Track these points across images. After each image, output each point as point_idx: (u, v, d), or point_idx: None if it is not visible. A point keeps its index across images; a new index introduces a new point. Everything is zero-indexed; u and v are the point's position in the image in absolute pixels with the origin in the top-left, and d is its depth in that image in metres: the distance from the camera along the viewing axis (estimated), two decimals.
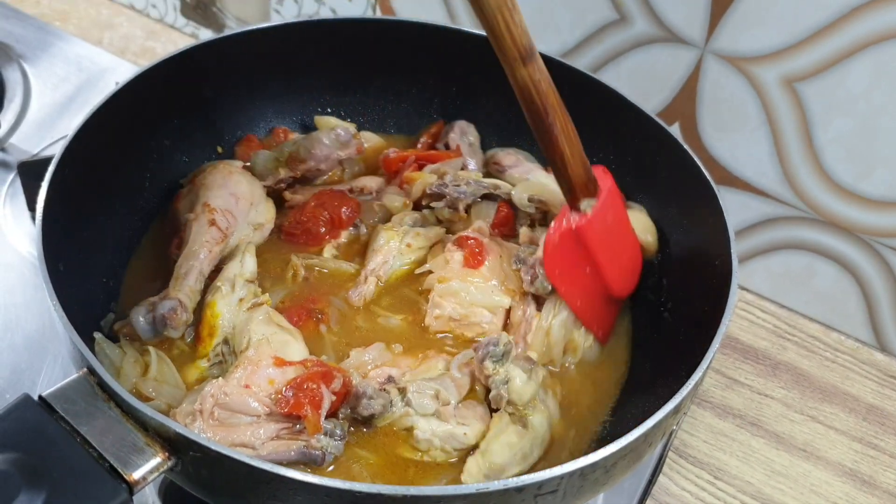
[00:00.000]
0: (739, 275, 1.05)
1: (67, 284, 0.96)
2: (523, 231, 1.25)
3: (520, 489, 0.81)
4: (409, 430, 1.02)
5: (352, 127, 1.40)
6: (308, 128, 1.44)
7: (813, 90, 1.28)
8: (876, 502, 1.25)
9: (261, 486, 0.81)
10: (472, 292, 1.15)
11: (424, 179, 1.29)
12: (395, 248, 1.21)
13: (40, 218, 0.99)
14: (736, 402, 1.35)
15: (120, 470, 0.80)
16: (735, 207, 1.43)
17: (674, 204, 1.27)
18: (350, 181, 1.35)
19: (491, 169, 1.37)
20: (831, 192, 1.35)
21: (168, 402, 1.01)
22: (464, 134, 1.41)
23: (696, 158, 1.19)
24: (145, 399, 1.01)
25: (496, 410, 1.05)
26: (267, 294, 1.12)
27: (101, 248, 1.16)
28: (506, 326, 1.17)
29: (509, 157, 1.35)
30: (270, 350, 1.01)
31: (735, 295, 1.02)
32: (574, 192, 1.08)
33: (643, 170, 1.31)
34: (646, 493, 1.19)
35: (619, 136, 1.33)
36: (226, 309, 1.08)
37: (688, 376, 0.94)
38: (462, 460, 1.02)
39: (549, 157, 1.06)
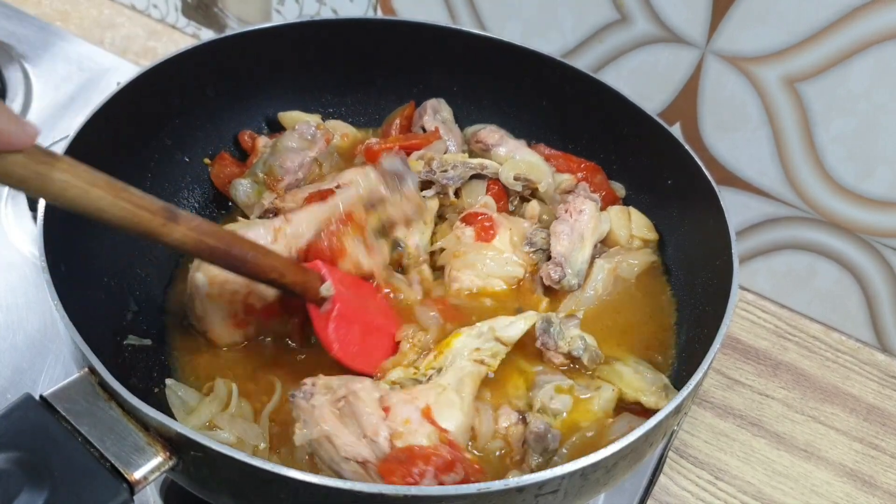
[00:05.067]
0: (740, 275, 1.05)
1: (69, 284, 0.96)
2: (531, 206, 1.27)
3: (520, 489, 0.81)
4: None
5: (314, 119, 1.39)
6: (272, 123, 1.43)
7: (814, 90, 1.28)
8: (877, 503, 1.25)
9: (262, 485, 0.81)
10: (487, 264, 1.17)
11: (413, 164, 1.28)
12: (420, 230, 1.22)
13: (41, 218, 0.99)
14: (737, 402, 1.35)
15: (121, 469, 0.80)
16: (736, 207, 1.43)
17: (675, 204, 1.27)
18: (334, 176, 1.30)
19: (474, 147, 1.36)
20: (832, 192, 1.34)
21: (238, 436, 1.00)
22: (437, 112, 1.40)
23: (697, 158, 1.19)
24: (213, 428, 1.00)
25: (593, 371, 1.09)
26: (495, 363, 1.07)
27: (102, 248, 1.16)
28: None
29: (493, 135, 1.35)
30: (433, 399, 0.98)
31: (736, 295, 1.02)
32: (307, 290, 1.05)
33: (644, 170, 1.31)
34: (646, 493, 1.19)
35: (620, 136, 1.33)
36: (463, 347, 1.06)
37: (689, 376, 0.94)
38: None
39: (267, 282, 1.01)
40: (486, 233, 1.19)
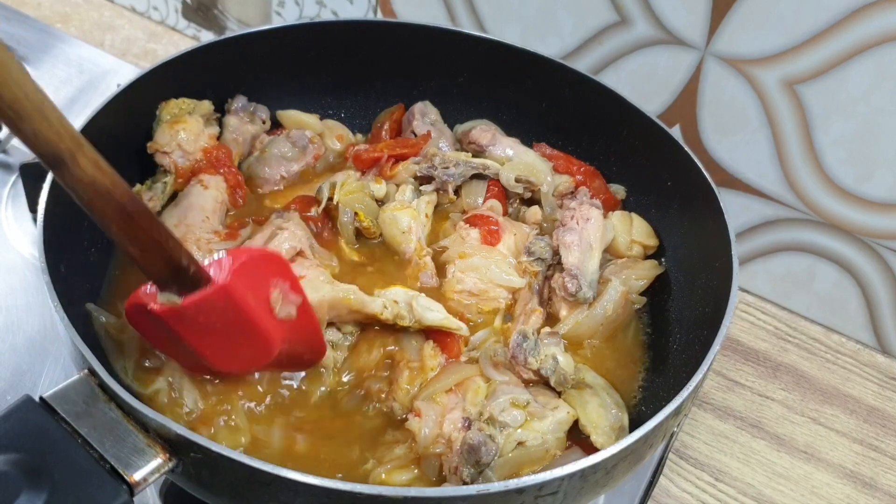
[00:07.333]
0: (740, 277, 1.05)
1: (68, 286, 0.96)
2: (533, 210, 1.27)
3: (520, 490, 0.81)
4: (522, 443, 1.00)
5: (313, 120, 1.39)
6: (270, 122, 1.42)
7: (813, 92, 1.28)
8: None
9: (262, 487, 0.81)
10: (492, 269, 1.17)
11: (409, 167, 1.28)
12: (422, 224, 1.23)
13: (41, 219, 0.99)
14: (737, 403, 1.35)
15: (121, 471, 0.80)
16: (736, 209, 1.43)
17: (675, 206, 1.27)
18: (326, 177, 1.31)
19: (468, 148, 1.36)
20: (832, 194, 1.35)
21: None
22: (424, 115, 1.40)
23: (696, 160, 1.19)
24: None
25: (560, 393, 1.06)
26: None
27: (102, 250, 1.16)
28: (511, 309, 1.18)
29: (485, 135, 1.34)
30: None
31: (736, 297, 1.02)
32: (157, 281, 0.88)
33: (644, 172, 1.31)
34: (646, 494, 1.19)
35: (619, 138, 1.33)
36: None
37: (688, 378, 0.94)
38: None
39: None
40: (492, 236, 1.19)
